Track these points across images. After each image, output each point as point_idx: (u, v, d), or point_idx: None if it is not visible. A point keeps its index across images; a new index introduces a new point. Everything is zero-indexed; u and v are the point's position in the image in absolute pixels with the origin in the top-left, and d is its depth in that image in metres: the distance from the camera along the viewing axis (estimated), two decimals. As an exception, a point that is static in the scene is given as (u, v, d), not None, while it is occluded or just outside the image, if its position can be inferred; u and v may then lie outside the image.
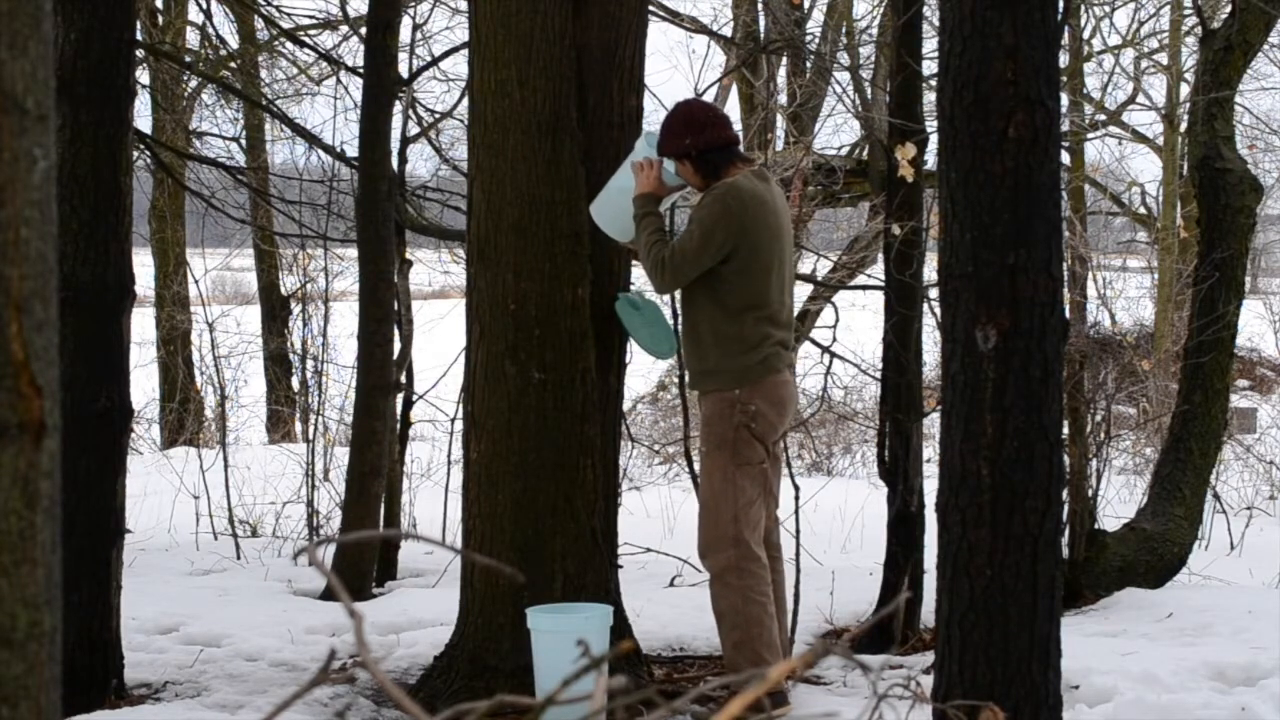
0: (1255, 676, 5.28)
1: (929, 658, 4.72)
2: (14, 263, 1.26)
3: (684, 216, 6.53)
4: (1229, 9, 7.89)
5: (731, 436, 5.14)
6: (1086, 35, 16.65)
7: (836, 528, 9.44)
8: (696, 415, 10.33)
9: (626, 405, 5.81)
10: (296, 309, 11.75)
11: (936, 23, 4.04)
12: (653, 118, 5.74)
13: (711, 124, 5.24)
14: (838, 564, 7.94)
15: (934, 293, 5.23)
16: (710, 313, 5.18)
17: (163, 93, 13.14)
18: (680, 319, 5.48)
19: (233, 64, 13.52)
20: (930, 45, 8.02)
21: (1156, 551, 7.03)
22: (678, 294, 5.64)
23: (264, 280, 14.94)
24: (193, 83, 13.44)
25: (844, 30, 13.21)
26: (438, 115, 9.78)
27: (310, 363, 10.94)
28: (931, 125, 6.30)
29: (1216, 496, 9.35)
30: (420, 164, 25.86)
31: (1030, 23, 3.59)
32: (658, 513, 10.10)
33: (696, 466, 7.08)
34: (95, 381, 5.31)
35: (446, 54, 9.25)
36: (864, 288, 10.22)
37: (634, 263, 5.84)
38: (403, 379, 7.93)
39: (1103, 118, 18.25)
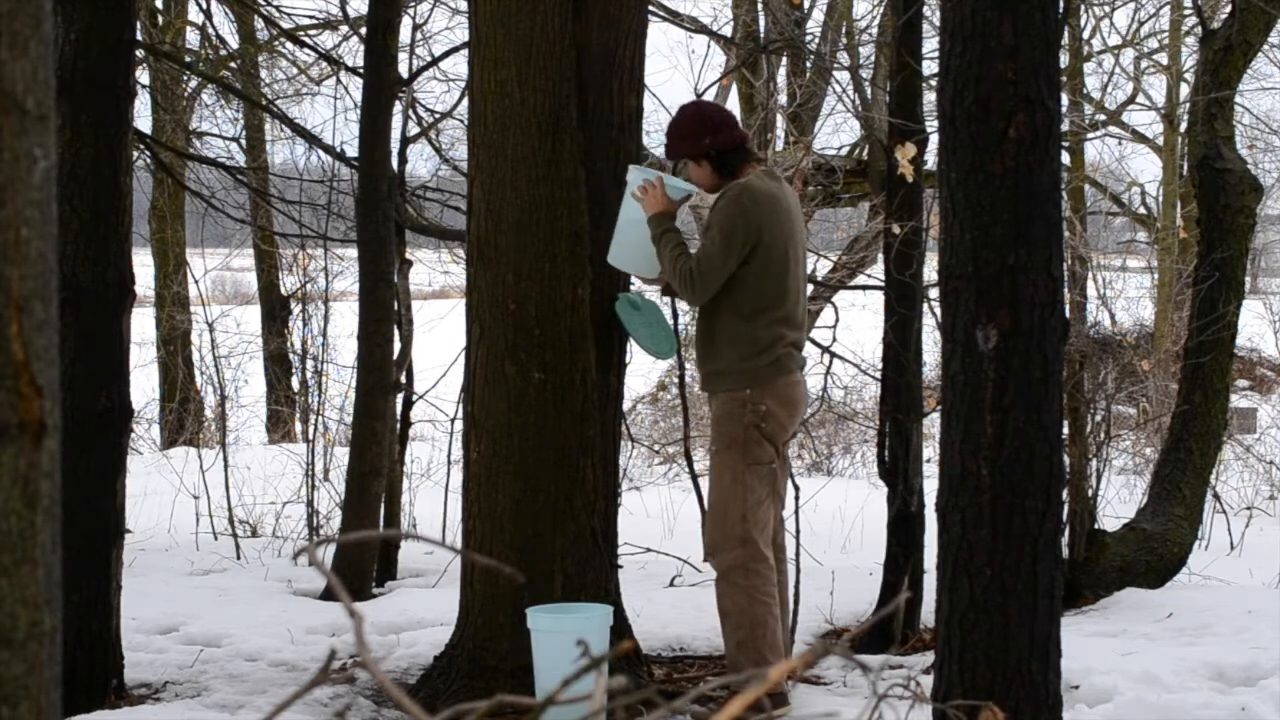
0: (1255, 676, 5.28)
1: (929, 658, 4.72)
2: (14, 263, 1.26)
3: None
4: (1229, 9, 7.89)
5: (741, 436, 5.14)
6: (1086, 35, 16.66)
7: (836, 528, 9.44)
8: (697, 415, 10.33)
9: (626, 405, 5.82)
10: (296, 309, 11.74)
11: (936, 23, 4.04)
12: (653, 118, 5.75)
13: (727, 124, 5.25)
14: (838, 564, 7.94)
15: (934, 293, 5.23)
16: (725, 315, 5.16)
17: (163, 93, 13.14)
18: (694, 320, 5.46)
19: (233, 64, 13.52)
20: (930, 45, 8.02)
21: (1156, 551, 7.03)
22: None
23: (264, 280, 14.94)
24: (193, 83, 13.44)
25: (844, 30, 13.20)
26: (438, 115, 9.78)
27: (310, 363, 10.94)
28: (931, 125, 6.30)
29: (1216, 496, 9.35)
30: (420, 164, 25.89)
31: (1030, 23, 3.59)
32: (658, 513, 10.10)
33: (698, 466, 7.09)
34: (95, 381, 5.30)
35: (446, 54, 9.25)
36: (864, 288, 10.22)
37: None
38: (403, 379, 7.93)
39: (1103, 118, 18.25)
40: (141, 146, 9.00)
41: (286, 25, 11.81)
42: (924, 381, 6.96)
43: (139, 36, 8.74)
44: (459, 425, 7.02)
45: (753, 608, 5.11)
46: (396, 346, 7.67)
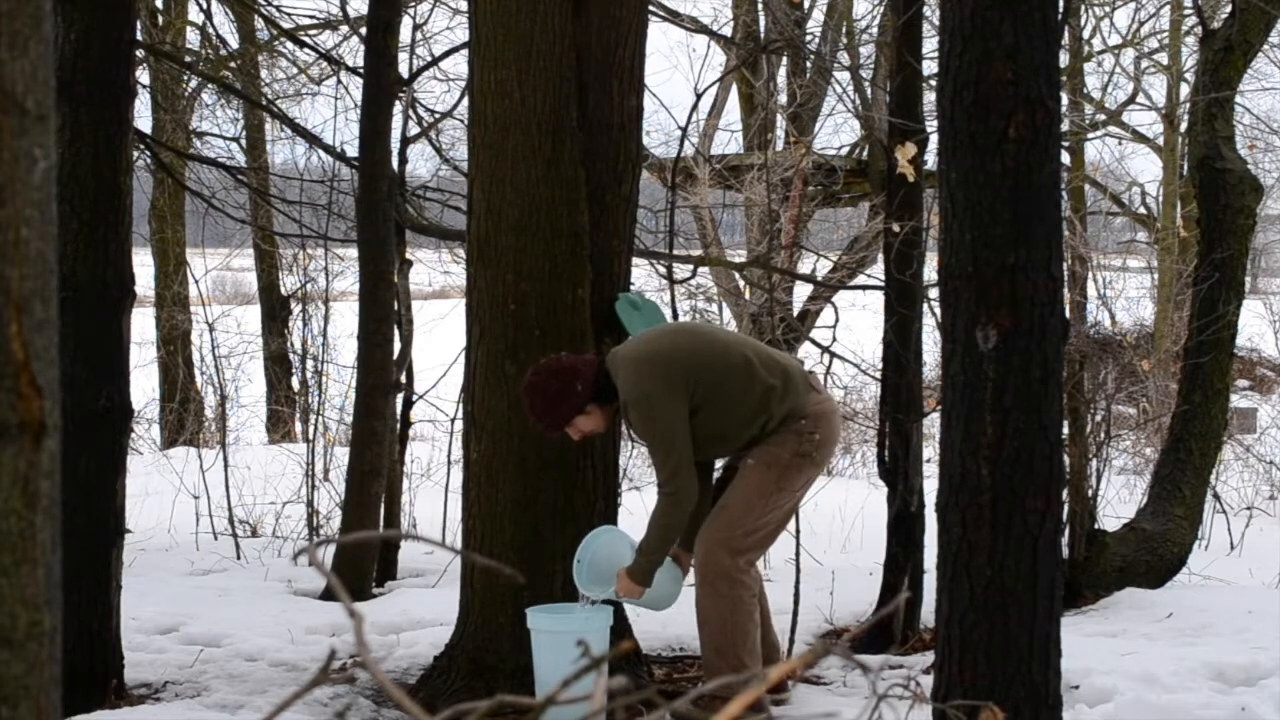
0: (1255, 676, 5.28)
1: (929, 658, 4.72)
2: (14, 263, 1.26)
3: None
4: (1229, 9, 7.89)
5: (786, 461, 5.09)
6: (1086, 35, 16.67)
7: (836, 528, 9.44)
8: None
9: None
10: (296, 309, 11.74)
11: (936, 23, 4.04)
12: (653, 118, 5.74)
13: (572, 366, 4.98)
14: (838, 564, 7.93)
15: (934, 293, 5.23)
16: (743, 410, 5.07)
17: (163, 93, 13.14)
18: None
19: (233, 64, 13.52)
20: (930, 45, 8.02)
21: (1156, 551, 7.03)
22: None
23: (264, 280, 14.94)
24: (193, 83, 13.44)
25: (844, 30, 13.20)
26: (438, 115, 9.78)
27: (310, 363, 10.94)
28: (931, 125, 6.30)
29: (1216, 496, 9.35)
30: (420, 164, 25.89)
31: (1030, 23, 3.59)
32: (657, 513, 10.08)
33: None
34: (95, 381, 5.30)
35: (446, 54, 9.25)
36: (864, 288, 10.21)
37: (634, 262, 5.84)
38: (403, 379, 7.93)
39: (1103, 118, 18.26)
40: (141, 146, 9.00)
41: (286, 25, 11.81)
42: (924, 381, 6.95)
43: (139, 36, 8.74)
44: (459, 425, 7.02)
45: (735, 617, 5.07)
46: (396, 346, 7.67)
